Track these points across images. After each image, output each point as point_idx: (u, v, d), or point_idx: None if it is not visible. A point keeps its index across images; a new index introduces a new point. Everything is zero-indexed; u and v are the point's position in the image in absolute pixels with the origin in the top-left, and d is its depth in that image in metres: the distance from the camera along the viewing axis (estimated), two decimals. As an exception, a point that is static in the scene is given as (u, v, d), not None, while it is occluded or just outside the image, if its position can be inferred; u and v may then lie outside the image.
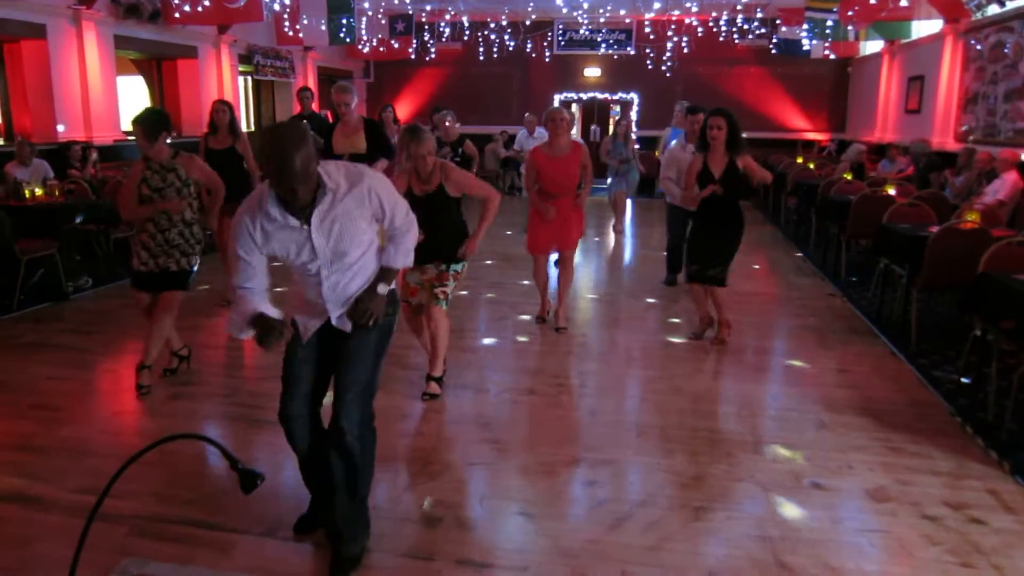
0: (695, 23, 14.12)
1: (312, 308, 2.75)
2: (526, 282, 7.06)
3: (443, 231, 4.14)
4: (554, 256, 5.89)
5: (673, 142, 7.20)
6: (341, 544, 2.72)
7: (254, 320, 2.57)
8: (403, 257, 2.79)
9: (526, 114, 12.06)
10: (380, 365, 2.80)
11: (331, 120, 7.42)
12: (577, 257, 8.84)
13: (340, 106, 5.58)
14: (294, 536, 2.91)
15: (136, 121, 4.20)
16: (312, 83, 13.95)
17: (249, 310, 2.59)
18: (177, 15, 9.61)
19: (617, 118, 11.19)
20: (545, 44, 15.43)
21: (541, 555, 2.80)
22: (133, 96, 11.30)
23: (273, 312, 2.61)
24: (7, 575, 2.68)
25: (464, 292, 6.64)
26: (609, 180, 9.92)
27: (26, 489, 3.26)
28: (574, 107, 16.21)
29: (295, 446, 2.78)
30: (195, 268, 4.50)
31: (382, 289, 2.70)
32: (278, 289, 6.06)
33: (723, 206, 5.08)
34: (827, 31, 11.78)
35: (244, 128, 12.48)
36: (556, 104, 15.37)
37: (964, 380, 4.48)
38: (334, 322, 2.74)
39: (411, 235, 2.81)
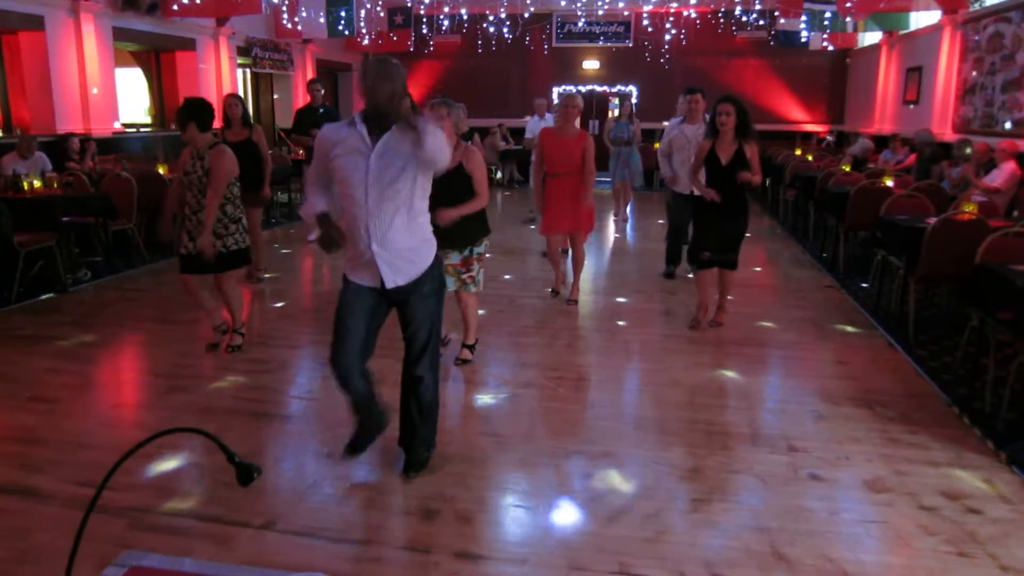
0: (693, 15, 14.08)
1: (364, 266, 3.02)
2: (526, 276, 7.07)
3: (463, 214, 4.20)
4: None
5: (670, 123, 7.21)
6: (413, 450, 3.30)
7: (319, 219, 3.01)
8: (431, 132, 2.84)
9: (536, 99, 12.04)
10: (442, 323, 3.28)
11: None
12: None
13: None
14: (342, 456, 3.36)
15: (189, 115, 4.56)
16: (311, 75, 13.91)
17: (316, 208, 3.02)
18: (175, 7, 9.57)
19: (620, 100, 11.26)
20: (543, 37, 15.38)
21: (539, 547, 2.81)
22: (131, 88, 11.27)
23: (333, 214, 3.03)
24: (6, 566, 2.69)
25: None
26: (611, 164, 9.93)
27: (25, 481, 3.26)
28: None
29: (346, 390, 3.17)
30: (237, 248, 4.77)
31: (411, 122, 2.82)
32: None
33: (732, 192, 5.11)
34: (825, 22, 11.75)
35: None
36: (553, 95, 15.44)
37: (960, 374, 4.48)
38: (388, 284, 3.00)
39: (439, 136, 2.87)
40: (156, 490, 3.18)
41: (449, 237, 4.14)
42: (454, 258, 4.41)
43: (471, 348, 4.77)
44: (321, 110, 8.32)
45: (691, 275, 6.36)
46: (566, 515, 3.03)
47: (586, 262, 8.01)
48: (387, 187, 2.88)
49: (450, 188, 4.11)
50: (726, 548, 2.79)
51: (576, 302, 6.10)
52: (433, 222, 3.62)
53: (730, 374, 4.64)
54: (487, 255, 4.63)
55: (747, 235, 5.39)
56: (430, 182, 3.04)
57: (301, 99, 11.61)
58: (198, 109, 4.60)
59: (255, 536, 2.87)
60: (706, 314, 5.49)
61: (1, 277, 6.10)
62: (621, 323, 5.75)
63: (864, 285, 6.64)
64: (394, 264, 2.99)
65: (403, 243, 2.98)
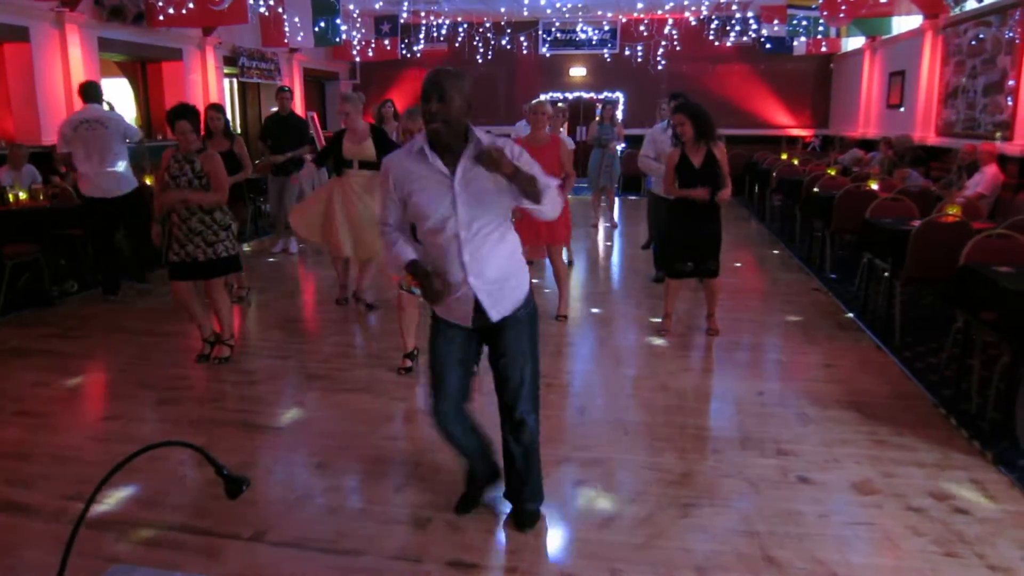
0: (679, 22, 14.18)
1: (456, 300, 2.69)
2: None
3: None
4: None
5: (655, 129, 7.25)
6: (522, 503, 2.98)
7: (410, 267, 2.67)
8: (547, 191, 2.61)
9: (524, 105, 12.08)
10: (538, 351, 2.91)
11: (317, 123, 7.47)
12: (563, 255, 8.93)
13: (342, 116, 5.65)
14: (456, 512, 3.07)
15: (185, 115, 4.53)
16: (298, 85, 13.89)
17: (402, 256, 2.70)
18: (161, 17, 9.53)
19: (603, 105, 11.39)
20: (530, 44, 15.44)
21: (531, 554, 2.81)
22: (118, 99, 11.21)
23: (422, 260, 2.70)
24: (-6, 584, 2.67)
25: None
26: (592, 167, 9.95)
27: (12, 496, 3.24)
28: (560, 106, 16.21)
29: (448, 439, 2.92)
30: (227, 255, 4.74)
31: (517, 168, 2.51)
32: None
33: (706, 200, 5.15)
34: (808, 28, 11.85)
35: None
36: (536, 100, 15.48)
37: (946, 376, 4.52)
38: (489, 312, 2.69)
39: (557, 203, 2.68)
40: (145, 503, 3.16)
41: None
42: None
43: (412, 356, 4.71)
44: (290, 120, 8.38)
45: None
46: (557, 522, 3.03)
47: (575, 268, 8.08)
48: (478, 218, 2.61)
49: None
50: (716, 552, 2.80)
51: (566, 317, 5.86)
52: None
53: (719, 378, 4.66)
54: None
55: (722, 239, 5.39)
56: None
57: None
58: (193, 111, 4.61)
59: (245, 548, 2.86)
60: (671, 322, 5.53)
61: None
62: (610, 329, 5.76)
63: (835, 281, 6.69)
64: (494, 295, 2.69)
65: (497, 271, 2.68)
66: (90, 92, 6.64)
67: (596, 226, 10.46)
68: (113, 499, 3.11)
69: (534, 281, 7.00)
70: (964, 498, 3.16)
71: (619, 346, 5.34)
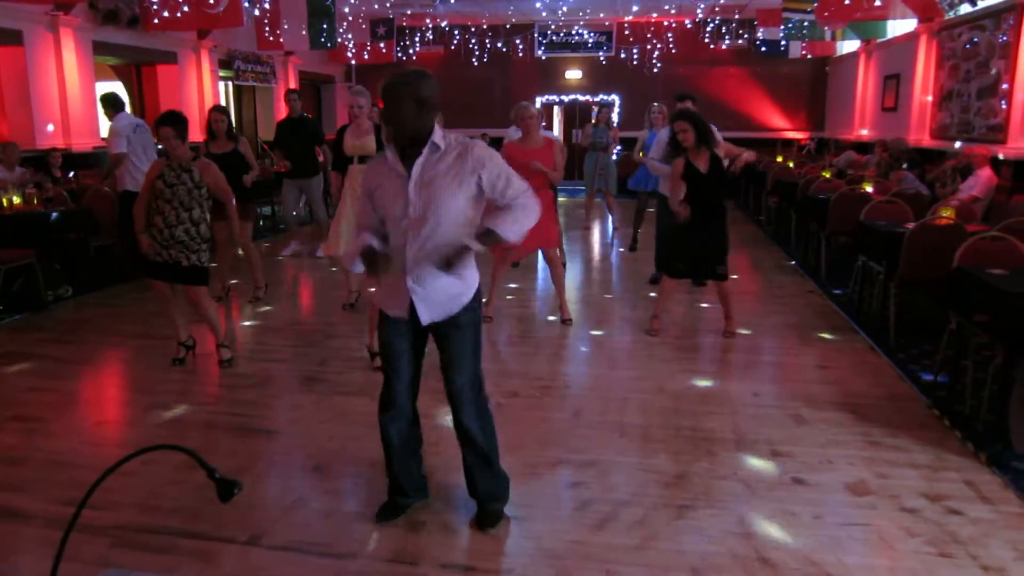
0: (674, 25, 14.22)
1: (396, 286, 2.76)
2: (511, 285, 7.09)
3: None
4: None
5: (663, 132, 7.24)
6: (482, 504, 3.02)
7: (363, 252, 2.72)
8: (511, 226, 2.65)
9: (511, 112, 12.07)
10: (480, 356, 2.93)
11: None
12: (560, 257, 8.94)
13: (353, 108, 5.61)
14: (377, 520, 3.04)
15: (170, 121, 4.52)
16: (293, 87, 13.89)
17: (362, 243, 2.75)
18: (156, 21, 9.53)
19: (598, 108, 11.41)
20: (526, 47, 15.47)
21: (526, 557, 2.81)
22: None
23: (379, 246, 2.74)
24: (-12, 588, 2.66)
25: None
26: (587, 170, 9.92)
27: (6, 501, 3.23)
28: (556, 109, 16.26)
29: (384, 435, 2.95)
30: (206, 266, 4.76)
31: (474, 244, 2.61)
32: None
33: (711, 203, 5.19)
34: (804, 31, 11.89)
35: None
36: (537, 104, 15.50)
37: (941, 379, 4.54)
38: (420, 315, 2.75)
39: (530, 211, 2.71)
40: (139, 507, 3.15)
41: None
42: None
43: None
44: (302, 122, 8.34)
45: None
46: (552, 524, 3.03)
47: (570, 270, 8.09)
48: (429, 222, 2.64)
49: None
50: (712, 553, 2.81)
51: (571, 320, 5.85)
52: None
53: (714, 380, 4.67)
54: None
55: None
56: (482, 208, 2.78)
57: (283, 111, 11.62)
58: (182, 120, 4.60)
59: (240, 552, 2.85)
60: (660, 322, 5.57)
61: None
62: (605, 330, 5.77)
63: (837, 292, 6.71)
64: (430, 299, 2.74)
65: (443, 279, 2.70)
66: (119, 101, 7.28)
67: (589, 228, 10.49)
68: (107, 503, 3.10)
69: (511, 285, 7.02)
70: (958, 499, 3.17)
71: (615, 348, 5.34)
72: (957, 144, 8.91)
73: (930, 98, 9.98)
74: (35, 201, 6.81)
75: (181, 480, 3.40)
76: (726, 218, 5.34)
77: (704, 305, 6.44)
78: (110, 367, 5.12)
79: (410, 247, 2.68)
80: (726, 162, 5.21)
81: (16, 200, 6.65)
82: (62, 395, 4.51)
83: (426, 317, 2.77)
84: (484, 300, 5.98)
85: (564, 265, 7.83)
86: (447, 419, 4.08)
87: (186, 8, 9.31)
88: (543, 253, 5.83)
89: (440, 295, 2.75)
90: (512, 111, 5.75)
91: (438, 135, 2.68)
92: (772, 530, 2.96)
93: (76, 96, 9.02)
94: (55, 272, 7.00)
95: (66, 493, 3.27)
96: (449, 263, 2.60)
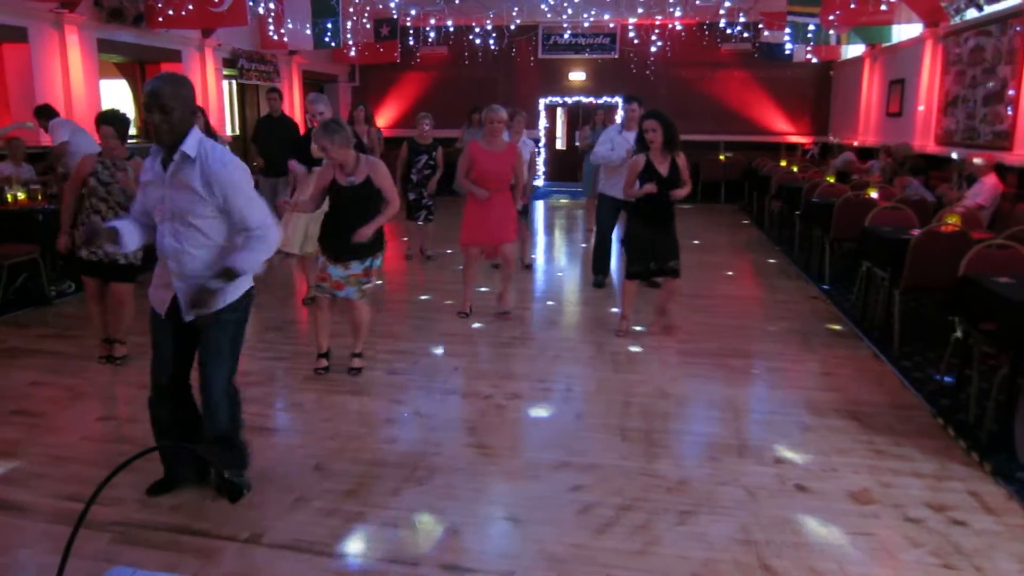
0: (679, 27, 14.21)
1: (163, 280, 2.98)
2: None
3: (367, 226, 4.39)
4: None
5: (610, 128, 7.29)
6: (230, 481, 3.14)
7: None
8: (246, 261, 2.86)
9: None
10: (237, 354, 3.09)
11: (303, 129, 7.50)
12: (562, 259, 8.94)
13: (314, 116, 5.66)
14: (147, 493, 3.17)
15: (111, 120, 4.58)
16: (297, 87, 13.90)
17: (115, 223, 2.96)
18: (161, 19, 9.53)
19: (596, 110, 11.42)
20: (530, 48, 15.47)
21: (527, 560, 2.80)
22: (116, 100, 11.20)
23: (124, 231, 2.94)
24: (-12, 585, 2.65)
25: (450, 301, 6.65)
26: (586, 173, 9.94)
27: (8, 495, 3.22)
28: (559, 111, 16.25)
29: (158, 420, 3.10)
30: (139, 263, 4.86)
31: (213, 284, 2.82)
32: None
33: (665, 202, 5.30)
34: (809, 35, 11.87)
35: (229, 132, 12.42)
36: (540, 106, 15.51)
37: (947, 379, 4.52)
38: (183, 312, 2.93)
39: (266, 245, 2.90)
40: (140, 504, 3.14)
41: (355, 249, 4.40)
42: (356, 268, 4.51)
43: (361, 356, 4.83)
44: (280, 121, 8.37)
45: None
46: (554, 527, 3.02)
47: (572, 272, 8.08)
48: (180, 220, 2.83)
49: (360, 202, 4.36)
50: (713, 560, 2.80)
51: (510, 313, 6.05)
52: (346, 233, 4.13)
53: (716, 385, 4.65)
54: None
55: (695, 242, 5.52)
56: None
57: (287, 109, 11.61)
58: (122, 118, 4.66)
59: (241, 550, 2.84)
60: (628, 322, 5.67)
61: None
62: (607, 333, 5.75)
63: (834, 289, 6.70)
64: (185, 284, 2.91)
65: (200, 270, 2.87)
66: (52, 111, 7.64)
67: (592, 230, 10.46)
68: (109, 499, 3.09)
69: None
70: (962, 509, 3.16)
71: (616, 351, 5.33)
72: (954, 155, 8.89)
73: (922, 108, 9.97)
74: (39, 197, 6.81)
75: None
76: (674, 218, 5.44)
77: (705, 310, 6.43)
78: (112, 363, 5.10)
79: (167, 245, 2.86)
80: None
81: (21, 196, 6.65)
82: (64, 390, 4.51)
83: (189, 316, 2.92)
84: (471, 306, 6.10)
85: (528, 266, 7.87)
86: (453, 419, 4.09)
87: (191, 6, 9.31)
88: (500, 249, 5.90)
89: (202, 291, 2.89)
90: (483, 113, 5.83)
91: (193, 141, 2.78)
92: (775, 537, 2.94)
93: (80, 93, 9.01)
94: (58, 268, 7.00)
95: (68, 488, 3.27)
96: (198, 303, 2.81)
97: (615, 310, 6.41)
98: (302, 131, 7.91)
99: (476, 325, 5.89)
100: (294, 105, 13.63)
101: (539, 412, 4.24)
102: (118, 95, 11.25)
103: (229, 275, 2.84)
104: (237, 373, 3.12)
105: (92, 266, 4.77)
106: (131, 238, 2.94)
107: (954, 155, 8.83)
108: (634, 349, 5.36)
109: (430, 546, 2.88)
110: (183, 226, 2.83)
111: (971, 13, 8.50)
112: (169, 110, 2.70)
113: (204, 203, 2.80)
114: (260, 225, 2.86)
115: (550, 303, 6.68)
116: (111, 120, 4.59)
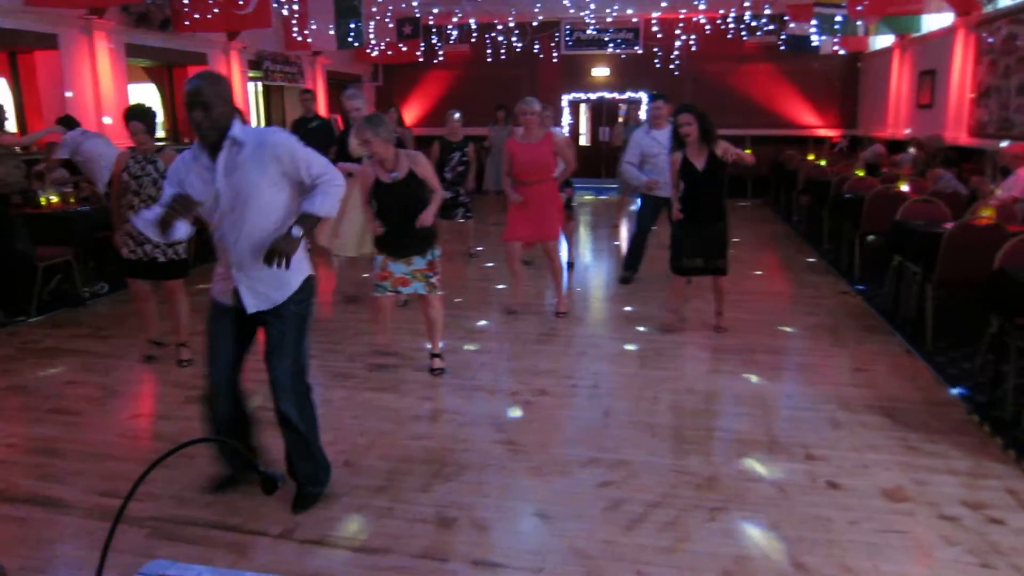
0: (703, 21, 14.08)
1: (224, 274, 2.99)
2: (536, 283, 7.06)
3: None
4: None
5: (637, 131, 7.25)
6: (300, 486, 3.15)
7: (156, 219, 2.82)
8: (321, 205, 2.85)
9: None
10: (304, 348, 3.09)
11: (340, 125, 7.51)
12: (587, 256, 8.91)
13: (352, 112, 5.71)
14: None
15: (139, 115, 4.64)
16: (321, 87, 14.01)
17: (156, 213, 2.84)
18: (187, 23, 9.65)
19: (627, 108, 11.40)
20: (552, 45, 15.43)
21: (556, 556, 2.80)
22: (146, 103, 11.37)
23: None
24: (31, 575, 2.71)
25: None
26: (622, 166, 9.88)
27: (46, 491, 3.30)
28: (583, 107, 16.21)
29: (213, 417, 3.12)
30: (184, 257, 4.90)
31: (296, 231, 2.80)
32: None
33: (711, 200, 5.23)
34: (836, 26, 11.70)
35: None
36: (563, 103, 15.46)
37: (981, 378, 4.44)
38: (245, 303, 2.93)
39: (335, 188, 2.90)
40: (175, 499, 3.20)
41: (414, 244, 4.43)
42: (419, 263, 4.52)
43: (441, 356, 4.79)
44: (314, 123, 8.41)
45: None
46: (583, 523, 3.02)
47: (598, 268, 8.05)
48: (240, 212, 2.83)
49: (409, 196, 4.35)
50: (744, 557, 2.78)
51: (565, 314, 5.99)
52: (400, 229, 4.16)
53: (746, 381, 4.61)
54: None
55: (735, 239, 5.45)
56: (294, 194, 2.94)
57: (314, 111, 11.73)
58: (149, 112, 4.72)
59: (273, 545, 2.88)
60: (675, 317, 5.67)
61: (20, 291, 6.16)
62: (634, 329, 5.72)
63: (865, 284, 6.59)
64: (255, 289, 2.94)
65: (264, 268, 2.83)
66: (72, 121, 7.69)
67: (617, 226, 10.43)
68: (144, 494, 3.14)
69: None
70: (999, 507, 3.09)
71: (643, 346, 5.30)
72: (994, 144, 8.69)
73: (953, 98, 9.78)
74: (72, 200, 6.95)
75: (215, 473, 3.44)
76: (726, 216, 5.34)
77: (733, 305, 6.36)
78: (145, 362, 5.19)
79: (228, 237, 2.86)
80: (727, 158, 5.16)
81: (54, 199, 6.79)
82: (99, 389, 4.59)
83: (251, 306, 2.94)
84: (513, 296, 6.11)
85: (571, 265, 7.81)
86: (481, 415, 4.10)
87: (216, 10, 9.42)
88: (542, 247, 5.91)
89: (262, 283, 2.92)
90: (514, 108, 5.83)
91: (237, 130, 2.81)
92: (806, 535, 2.91)
93: (110, 98, 9.16)
94: (91, 269, 7.14)
95: (103, 484, 3.33)
96: (276, 250, 2.75)
97: (629, 308, 6.38)
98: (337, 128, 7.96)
99: (502, 321, 5.89)
100: (319, 106, 13.73)
101: (566, 408, 4.23)
102: (147, 100, 11.42)
103: (309, 220, 2.84)
104: (308, 370, 3.11)
105: (132, 265, 4.81)
106: (181, 224, 2.91)
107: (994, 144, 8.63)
108: (662, 345, 5.33)
109: (460, 542, 2.89)
110: (243, 213, 2.82)
111: (1004, 1, 8.32)
112: (210, 106, 2.74)
113: (266, 176, 2.81)
114: (326, 171, 2.90)
115: (576, 299, 6.66)
116: (139, 115, 4.64)
